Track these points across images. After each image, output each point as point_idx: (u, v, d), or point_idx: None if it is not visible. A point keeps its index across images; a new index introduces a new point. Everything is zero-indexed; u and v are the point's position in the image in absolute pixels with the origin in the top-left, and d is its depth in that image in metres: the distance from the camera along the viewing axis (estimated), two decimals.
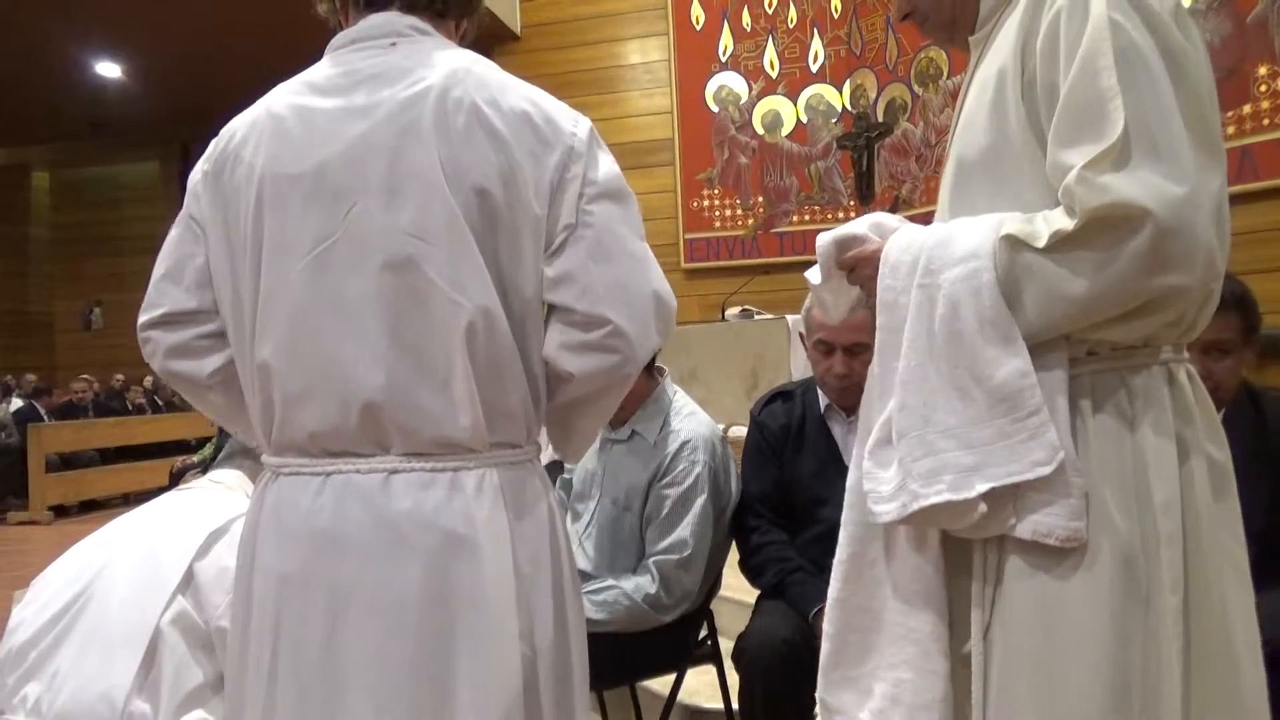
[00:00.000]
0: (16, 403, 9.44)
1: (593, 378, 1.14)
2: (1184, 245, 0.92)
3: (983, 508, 1.02)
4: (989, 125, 1.08)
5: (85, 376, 10.20)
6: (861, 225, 1.20)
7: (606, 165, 1.17)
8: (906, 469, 1.06)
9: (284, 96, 1.18)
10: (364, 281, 1.09)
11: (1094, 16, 0.97)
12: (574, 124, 1.16)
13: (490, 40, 7.72)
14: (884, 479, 1.10)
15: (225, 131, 1.22)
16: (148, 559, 2.30)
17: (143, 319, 1.24)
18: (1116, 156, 0.93)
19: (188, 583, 2.25)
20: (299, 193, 1.12)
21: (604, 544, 2.12)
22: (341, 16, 1.24)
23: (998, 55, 1.08)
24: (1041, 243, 0.98)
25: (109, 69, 9.54)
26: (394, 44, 1.17)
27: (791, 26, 7.27)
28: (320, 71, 1.19)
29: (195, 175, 1.23)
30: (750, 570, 2.06)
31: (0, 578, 5.30)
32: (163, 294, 1.22)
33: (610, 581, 2.00)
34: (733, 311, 5.23)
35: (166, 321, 1.22)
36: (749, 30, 7.35)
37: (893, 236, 1.13)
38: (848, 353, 1.92)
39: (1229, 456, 1.08)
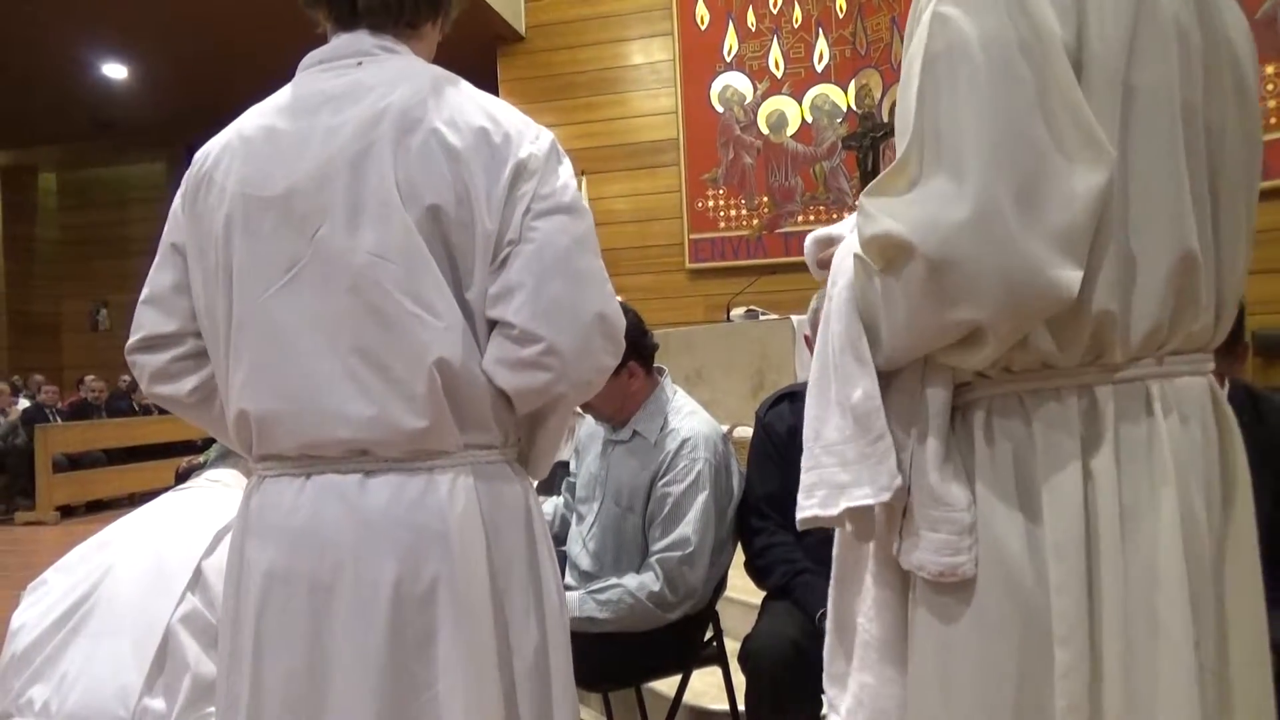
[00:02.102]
0: (24, 403, 9.47)
1: (525, 395, 1.15)
2: (965, 277, 0.82)
3: (849, 527, 1.02)
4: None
5: (91, 377, 10.23)
6: (849, 223, 1.17)
7: (561, 181, 1.16)
8: (800, 479, 1.07)
9: (254, 119, 1.20)
10: (332, 302, 1.11)
11: (925, 11, 0.87)
12: (533, 140, 1.16)
13: (495, 41, 7.73)
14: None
15: (200, 154, 1.24)
16: (154, 560, 2.31)
17: (128, 344, 1.29)
18: (911, 176, 0.86)
19: (196, 580, 2.26)
20: (270, 217, 1.14)
21: (608, 545, 2.12)
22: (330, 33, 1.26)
23: None
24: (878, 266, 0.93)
25: (115, 70, 9.56)
26: (360, 63, 1.18)
27: (796, 26, 7.27)
28: (289, 93, 1.21)
29: (179, 199, 1.26)
30: (756, 571, 2.06)
31: (8, 578, 5.33)
32: (142, 318, 1.27)
33: (614, 580, 2.00)
34: (738, 312, 5.23)
35: (146, 346, 1.27)
36: (754, 30, 7.34)
37: (843, 242, 1.09)
38: None
39: (1178, 487, 0.92)
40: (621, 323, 1.17)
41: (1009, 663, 0.91)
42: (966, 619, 0.94)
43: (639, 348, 2.08)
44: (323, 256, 1.12)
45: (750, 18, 7.35)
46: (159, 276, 1.27)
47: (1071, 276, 0.84)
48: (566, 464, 2.52)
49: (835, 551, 1.19)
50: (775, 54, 7.30)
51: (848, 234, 1.15)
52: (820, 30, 7.22)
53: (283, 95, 1.21)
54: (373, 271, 1.10)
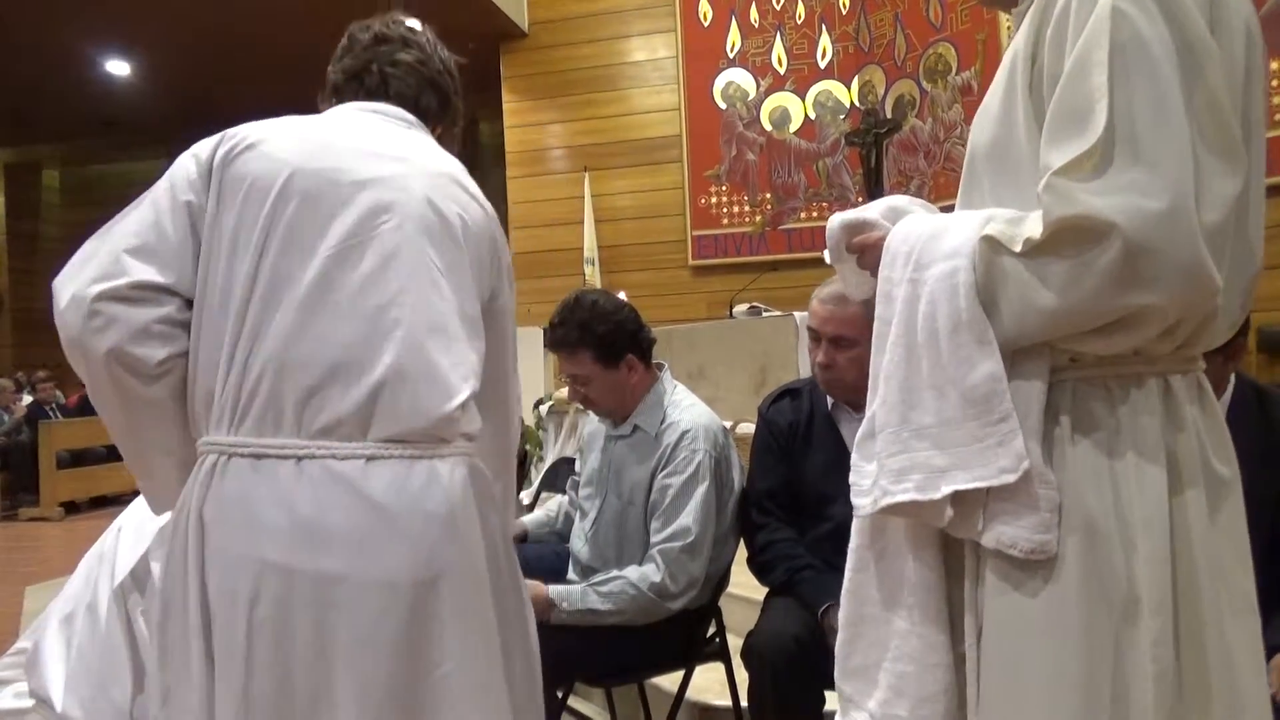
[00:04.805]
0: (27, 399, 9.49)
1: None
2: (1156, 264, 0.87)
3: (950, 511, 1.01)
4: (998, 115, 1.05)
5: None
6: (876, 208, 1.17)
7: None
8: (881, 464, 1.06)
9: (320, 119, 1.32)
10: (384, 287, 1.17)
11: (1100, 5, 0.91)
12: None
13: (498, 38, 7.72)
14: (865, 472, 1.11)
15: (237, 131, 1.25)
16: (111, 560, 2.32)
17: (97, 289, 1.13)
18: (1096, 162, 0.88)
19: (144, 579, 2.27)
20: (338, 195, 1.19)
21: (610, 540, 2.13)
22: (331, 97, 1.39)
23: (1016, 40, 1.05)
24: (1018, 247, 0.94)
25: (119, 67, 9.56)
26: (410, 127, 1.35)
27: (800, 22, 7.26)
28: (352, 114, 1.33)
29: (197, 164, 1.23)
30: (759, 568, 2.06)
31: (13, 574, 5.34)
32: (127, 264, 1.14)
33: (615, 572, 2.00)
34: (740, 308, 5.22)
35: (130, 296, 1.14)
36: (757, 26, 7.33)
37: (897, 225, 1.10)
38: (832, 344, 1.94)
39: (1237, 474, 1.02)
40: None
41: (1104, 635, 0.94)
42: (1058, 594, 0.96)
43: (636, 342, 2.09)
44: (387, 247, 1.19)
45: (753, 14, 7.34)
46: (161, 228, 1.18)
47: (1219, 275, 0.90)
48: (572, 462, 2.52)
49: (853, 543, 1.18)
50: (778, 50, 7.29)
51: (877, 216, 1.16)
52: (823, 26, 7.21)
53: (344, 110, 1.34)
54: (433, 275, 1.20)
